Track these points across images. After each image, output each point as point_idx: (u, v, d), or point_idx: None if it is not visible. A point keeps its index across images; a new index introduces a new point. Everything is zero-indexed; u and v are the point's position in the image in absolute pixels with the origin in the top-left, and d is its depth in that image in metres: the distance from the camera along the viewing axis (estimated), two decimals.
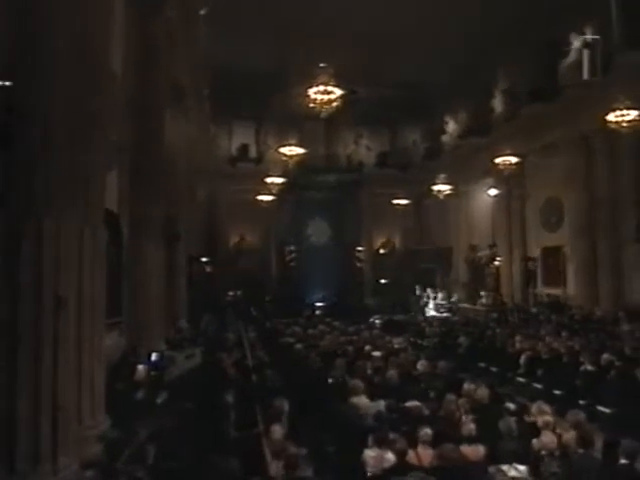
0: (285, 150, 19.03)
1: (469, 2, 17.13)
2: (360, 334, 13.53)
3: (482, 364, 11.51)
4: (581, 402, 7.91)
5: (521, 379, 10.06)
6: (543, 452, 5.13)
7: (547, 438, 5.23)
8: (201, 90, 18.10)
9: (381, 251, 28.86)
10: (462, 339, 13.05)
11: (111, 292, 6.64)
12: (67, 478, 3.97)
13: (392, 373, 8.03)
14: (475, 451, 5.27)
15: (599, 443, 5.25)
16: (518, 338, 11.70)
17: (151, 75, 10.30)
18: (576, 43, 16.39)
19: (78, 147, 4.74)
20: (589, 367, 8.92)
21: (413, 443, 5.32)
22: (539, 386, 9.35)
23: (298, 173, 23.77)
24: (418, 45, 19.82)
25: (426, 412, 6.40)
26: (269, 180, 21.72)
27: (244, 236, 26.97)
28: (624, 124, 12.79)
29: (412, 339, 15.28)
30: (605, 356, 9.04)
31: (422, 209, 28.07)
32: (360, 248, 28.23)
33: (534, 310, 18.10)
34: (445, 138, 25.32)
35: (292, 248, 27.24)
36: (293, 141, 19.55)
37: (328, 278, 26.59)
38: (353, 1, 17.19)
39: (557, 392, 8.70)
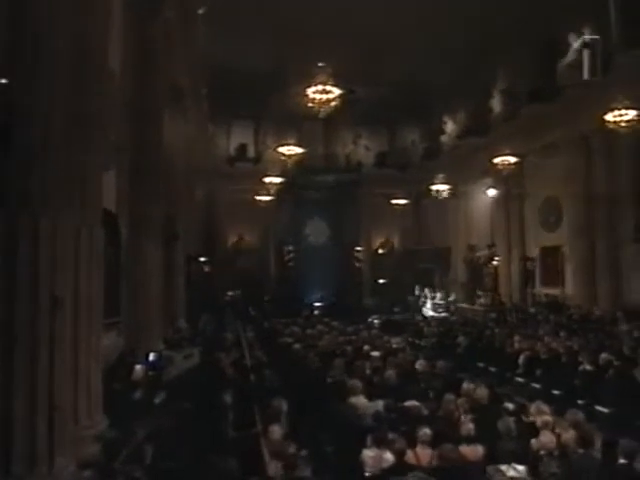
0: (284, 150, 19.01)
1: (468, 2, 17.12)
2: (359, 334, 13.52)
3: (481, 364, 11.49)
4: (580, 402, 7.90)
5: (520, 379, 10.05)
6: (542, 452, 5.11)
7: (546, 438, 5.21)
8: (199, 90, 18.09)
9: (380, 251, 28.86)
10: (461, 339, 13.04)
11: (109, 292, 6.62)
12: (64, 479, 3.95)
13: (391, 373, 8.02)
14: (474, 451, 5.26)
15: (598, 443, 5.24)
16: (517, 338, 11.69)
17: (149, 75, 10.28)
18: (575, 43, 16.41)
19: (75, 147, 4.73)
20: (588, 367, 8.91)
21: (412, 443, 5.31)
22: (538, 386, 9.34)
23: (297, 173, 23.76)
24: (417, 45, 19.80)
25: (425, 412, 6.39)
26: (267, 180, 21.72)
27: (242, 236, 26.96)
28: (623, 124, 12.79)
29: (410, 339, 15.27)
30: (604, 356, 9.03)
31: (421, 209, 28.07)
32: (359, 248, 28.23)
33: (532, 310, 18.10)
34: (444, 138, 25.33)
35: (290, 248, 27.24)
36: (292, 141, 19.54)
37: (327, 278, 26.58)
38: (352, 1, 17.17)
39: (556, 392, 8.70)
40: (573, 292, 17.35)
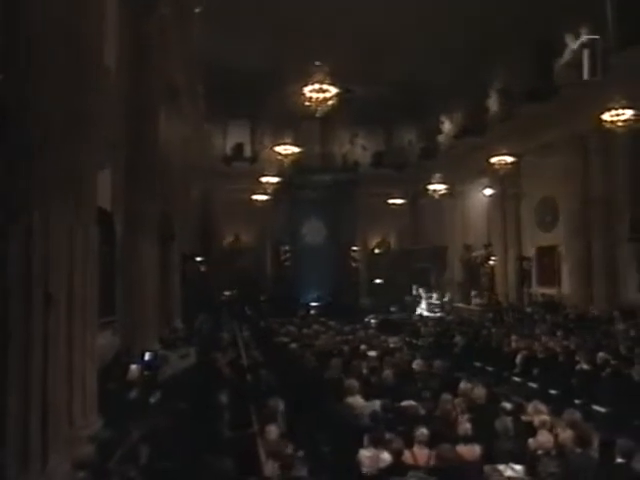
0: (280, 149, 18.99)
1: (465, 2, 17.12)
2: (355, 334, 13.51)
3: (478, 363, 11.50)
4: (577, 401, 7.90)
5: (517, 378, 10.06)
6: (539, 452, 5.10)
7: (543, 437, 5.20)
8: (196, 89, 18.03)
9: (376, 251, 28.87)
10: (458, 338, 13.05)
11: (104, 291, 6.57)
12: (58, 478, 3.91)
13: (388, 373, 8.01)
14: (471, 451, 5.24)
15: (595, 442, 5.23)
16: (514, 337, 11.70)
17: (145, 73, 10.22)
18: (572, 43, 16.42)
19: (70, 144, 4.68)
20: (585, 366, 8.92)
21: (409, 443, 5.28)
22: (535, 385, 9.35)
23: (293, 172, 23.76)
24: (414, 45, 19.80)
25: (422, 412, 6.37)
26: (264, 179, 21.69)
27: (239, 235, 26.93)
28: (619, 123, 12.80)
29: (407, 339, 15.25)
30: (601, 355, 9.03)
31: (417, 209, 28.08)
32: (355, 248, 28.24)
33: (529, 310, 18.12)
34: (441, 138, 25.33)
35: (287, 247, 27.23)
36: (288, 140, 19.53)
37: (323, 278, 26.56)
38: (349, 0, 17.15)
39: (553, 391, 8.70)
40: (569, 292, 17.38)
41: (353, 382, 7.23)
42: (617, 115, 12.79)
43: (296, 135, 22.98)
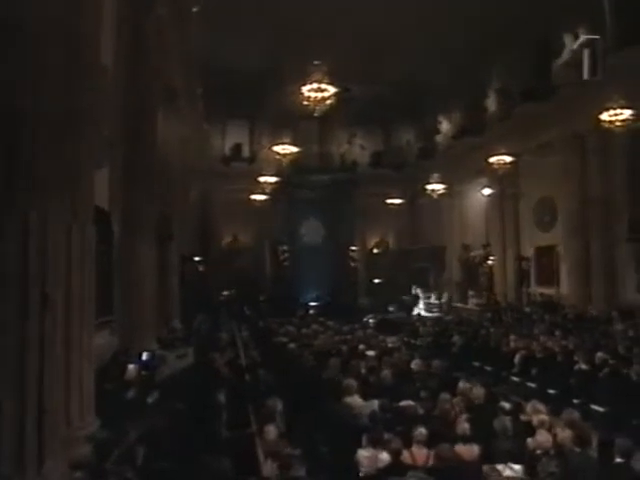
0: (278, 149, 19.00)
1: (463, 2, 17.12)
2: (354, 333, 13.49)
3: (476, 363, 11.50)
4: (575, 401, 7.90)
5: (515, 378, 10.05)
6: (538, 451, 5.09)
7: (542, 437, 5.19)
8: (194, 89, 17.99)
9: (375, 251, 28.88)
10: (456, 338, 13.04)
11: (102, 290, 6.56)
12: (54, 479, 3.89)
13: (386, 372, 8.00)
14: (470, 450, 5.23)
15: (594, 442, 5.22)
16: (512, 337, 11.69)
17: (142, 73, 10.19)
18: (569, 43, 16.43)
19: (67, 143, 4.66)
20: (583, 366, 8.92)
21: (408, 443, 5.27)
22: (533, 385, 9.34)
23: (292, 172, 23.77)
24: (412, 45, 19.79)
25: (420, 411, 6.36)
26: (262, 179, 21.67)
27: (237, 235, 26.92)
28: (618, 123, 12.81)
29: (406, 338, 15.25)
30: (599, 355, 9.03)
31: (416, 209, 28.08)
32: (354, 248, 28.24)
33: (527, 309, 18.12)
34: (439, 138, 25.34)
35: (286, 247, 27.21)
36: (287, 140, 19.51)
37: (322, 278, 26.55)
38: (347, 0, 17.13)
39: (551, 391, 8.70)
40: (568, 291, 17.38)
41: (351, 382, 7.22)
42: (615, 115, 12.80)
43: (294, 135, 23.00)
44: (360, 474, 5.14)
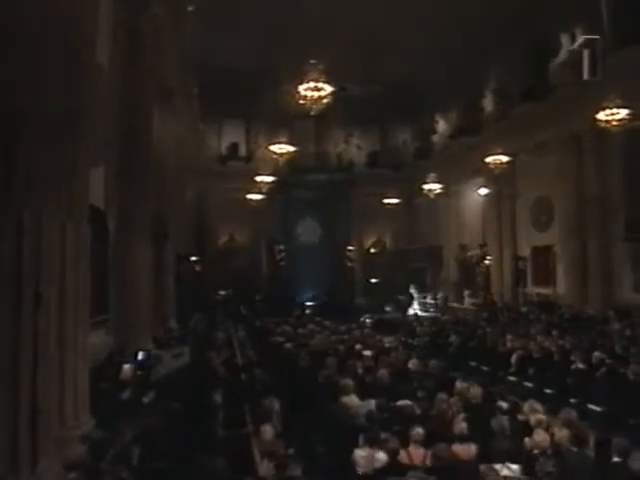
0: (275, 148, 18.95)
1: (461, 2, 17.13)
2: (351, 333, 13.45)
3: (473, 363, 11.48)
4: (572, 400, 7.90)
5: (512, 378, 10.04)
6: (536, 451, 5.07)
7: (540, 437, 5.17)
8: (190, 88, 17.95)
9: (372, 250, 28.88)
10: (453, 338, 13.02)
11: (97, 289, 6.52)
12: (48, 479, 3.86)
13: (383, 372, 7.97)
14: (467, 450, 5.21)
15: (591, 441, 5.21)
16: (509, 337, 11.68)
17: (138, 72, 10.17)
18: (567, 43, 16.45)
19: (62, 141, 4.62)
20: (580, 365, 8.91)
21: (405, 442, 5.25)
22: (530, 385, 9.33)
23: (288, 172, 23.73)
24: (409, 45, 19.82)
25: (417, 411, 6.34)
26: (259, 179, 21.64)
27: (234, 235, 26.88)
28: (614, 123, 12.82)
29: (403, 338, 15.23)
30: (596, 354, 9.03)
31: (413, 209, 28.10)
32: (351, 247, 28.23)
33: (524, 309, 18.12)
34: (436, 137, 25.37)
35: (282, 247, 27.17)
36: (283, 139, 19.46)
37: (318, 277, 26.53)
38: (343, 1, 17.12)
39: (548, 391, 8.69)
40: (565, 291, 17.40)
41: (348, 381, 7.20)
42: (612, 114, 12.81)
43: (291, 134, 22.96)
44: (357, 474, 5.11)
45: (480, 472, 4.87)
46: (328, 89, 12.46)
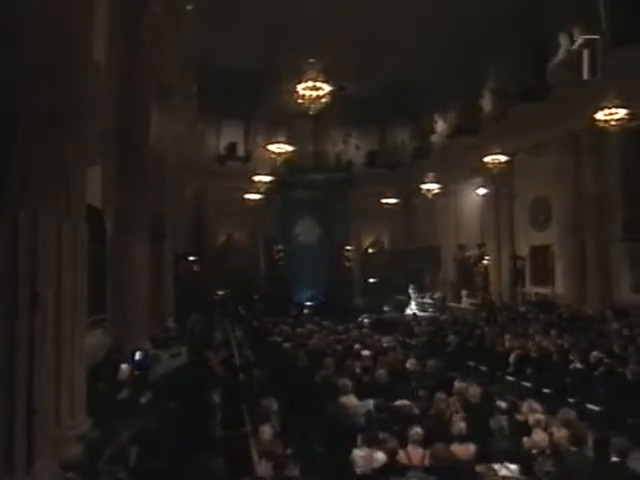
0: (273, 147, 18.91)
1: (459, 2, 17.12)
2: (349, 333, 13.42)
3: (471, 363, 11.47)
4: (570, 400, 7.89)
5: (510, 378, 10.03)
6: (534, 450, 5.06)
7: (538, 436, 5.15)
8: (189, 88, 17.93)
9: (370, 250, 28.88)
10: (451, 338, 13.02)
11: (94, 289, 6.49)
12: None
13: (381, 372, 7.95)
14: (466, 450, 5.20)
15: (590, 441, 5.20)
16: (507, 337, 11.67)
17: (137, 70, 10.14)
18: (565, 43, 16.44)
19: (59, 140, 4.59)
20: (578, 365, 8.90)
21: (403, 442, 5.23)
22: (528, 384, 9.32)
23: (286, 171, 23.71)
24: (407, 45, 19.81)
25: (416, 411, 6.32)
26: (257, 178, 21.61)
27: (232, 235, 26.87)
28: (612, 122, 12.82)
29: (401, 338, 15.21)
30: (594, 354, 9.02)
31: (411, 208, 28.09)
32: (349, 247, 28.22)
33: (522, 309, 18.12)
34: (434, 137, 25.35)
35: (280, 247, 27.16)
36: (282, 139, 19.43)
37: (317, 277, 26.52)
38: (343, 0, 17.10)
39: (546, 390, 8.68)
40: (563, 291, 17.40)
41: (346, 381, 7.18)
42: (610, 114, 12.80)
43: (289, 134, 22.93)
44: (356, 474, 5.10)
45: (479, 472, 4.86)
46: (326, 88, 12.44)
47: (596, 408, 7.69)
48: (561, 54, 16.59)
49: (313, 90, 12.37)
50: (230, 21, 17.53)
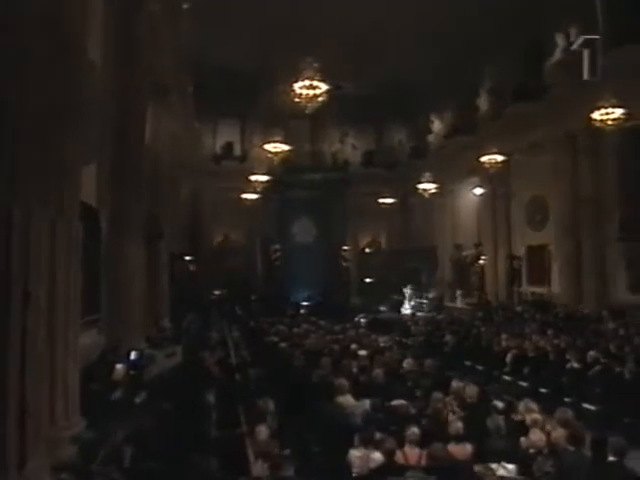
0: (270, 147, 18.87)
1: (455, 2, 17.11)
2: (346, 333, 13.41)
3: (468, 362, 11.47)
4: (567, 399, 7.89)
5: (507, 377, 10.03)
6: (532, 450, 5.04)
7: (535, 436, 5.14)
8: (185, 87, 17.86)
9: (367, 250, 28.87)
10: (448, 338, 13.02)
11: (89, 288, 6.44)
12: None
13: (378, 372, 7.93)
14: (463, 450, 5.18)
15: (587, 440, 5.19)
16: (504, 336, 11.68)
17: (133, 69, 10.10)
18: (561, 43, 16.45)
19: (52, 138, 4.55)
20: (575, 365, 8.90)
21: (400, 442, 5.21)
22: (525, 384, 9.31)
23: (283, 171, 23.68)
24: (404, 44, 19.80)
25: (413, 411, 6.30)
26: (254, 178, 21.56)
27: (228, 234, 26.80)
28: (609, 122, 12.83)
29: (398, 338, 15.19)
30: (591, 353, 9.02)
31: (408, 208, 28.07)
32: (346, 247, 28.19)
33: (519, 309, 18.12)
34: (431, 137, 25.33)
35: (277, 247, 27.09)
36: (278, 138, 19.38)
37: (314, 277, 26.49)
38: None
39: (543, 390, 8.68)
40: (559, 290, 17.41)
41: (343, 381, 7.15)
42: (607, 114, 12.81)
43: (286, 133, 22.83)
44: (352, 474, 5.07)
45: (476, 472, 4.84)
46: (323, 87, 12.41)
47: (593, 408, 7.69)
48: (558, 54, 16.59)
49: (310, 89, 12.34)
50: (226, 20, 17.47)
